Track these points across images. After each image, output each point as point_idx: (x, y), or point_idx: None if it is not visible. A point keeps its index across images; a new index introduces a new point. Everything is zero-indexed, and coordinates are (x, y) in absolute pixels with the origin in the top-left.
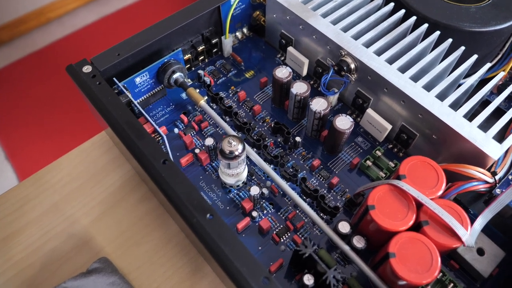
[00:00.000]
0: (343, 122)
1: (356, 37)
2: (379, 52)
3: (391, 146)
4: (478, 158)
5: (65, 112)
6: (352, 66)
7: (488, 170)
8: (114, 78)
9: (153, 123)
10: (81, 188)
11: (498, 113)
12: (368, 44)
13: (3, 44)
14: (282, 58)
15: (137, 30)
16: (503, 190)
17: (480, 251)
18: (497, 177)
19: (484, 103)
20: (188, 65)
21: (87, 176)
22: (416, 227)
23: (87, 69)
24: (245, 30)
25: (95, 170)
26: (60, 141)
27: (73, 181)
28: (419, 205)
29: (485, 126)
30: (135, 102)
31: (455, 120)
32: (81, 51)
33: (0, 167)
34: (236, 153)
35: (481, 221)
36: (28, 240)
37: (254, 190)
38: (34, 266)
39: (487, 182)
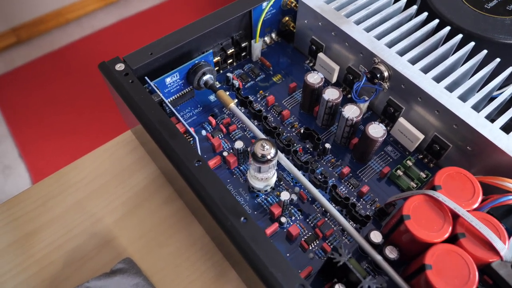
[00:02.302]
0: (376, 130)
1: (390, 45)
2: (413, 61)
3: (421, 156)
4: None
5: (79, 113)
6: (386, 74)
7: None
8: (146, 77)
9: (185, 123)
10: (105, 187)
11: None
12: (401, 53)
13: (22, 43)
14: (311, 64)
15: (155, 33)
16: None
17: None
18: None
19: None
20: (217, 68)
21: (111, 175)
22: (452, 239)
23: (119, 67)
24: (273, 35)
25: (120, 170)
26: (73, 141)
27: (97, 179)
28: (455, 217)
29: None
30: (167, 102)
31: (492, 132)
32: (99, 52)
33: (14, 164)
34: (269, 157)
35: None
36: (50, 237)
37: (285, 196)
38: (56, 263)
39: None
